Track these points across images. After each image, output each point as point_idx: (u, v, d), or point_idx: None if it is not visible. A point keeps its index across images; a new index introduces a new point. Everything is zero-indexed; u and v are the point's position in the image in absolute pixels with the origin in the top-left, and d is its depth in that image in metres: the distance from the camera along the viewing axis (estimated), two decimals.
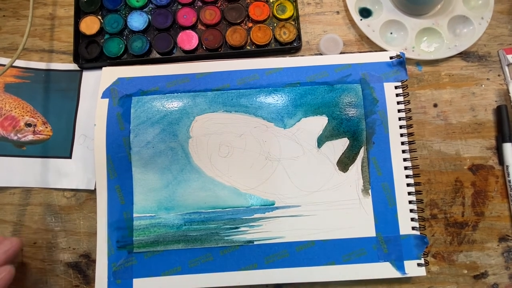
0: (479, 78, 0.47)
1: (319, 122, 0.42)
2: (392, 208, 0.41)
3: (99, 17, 0.48)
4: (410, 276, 0.40)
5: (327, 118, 0.42)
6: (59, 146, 0.45)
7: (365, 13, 0.48)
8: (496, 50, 0.47)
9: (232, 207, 0.41)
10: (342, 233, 0.40)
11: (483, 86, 0.46)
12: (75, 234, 0.43)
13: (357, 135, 0.42)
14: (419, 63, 0.47)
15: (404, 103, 0.43)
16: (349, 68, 0.44)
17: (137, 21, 0.47)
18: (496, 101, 0.46)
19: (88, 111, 0.46)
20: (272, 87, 0.43)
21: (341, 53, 0.46)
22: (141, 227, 0.41)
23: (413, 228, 0.41)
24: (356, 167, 0.42)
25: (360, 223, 0.41)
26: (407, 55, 0.46)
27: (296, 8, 0.47)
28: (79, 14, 0.48)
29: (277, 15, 0.47)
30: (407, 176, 0.42)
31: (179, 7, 0.48)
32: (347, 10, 0.48)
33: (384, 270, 0.40)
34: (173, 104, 0.43)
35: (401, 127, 0.42)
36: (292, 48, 0.47)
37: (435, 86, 0.46)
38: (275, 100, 0.43)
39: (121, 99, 0.43)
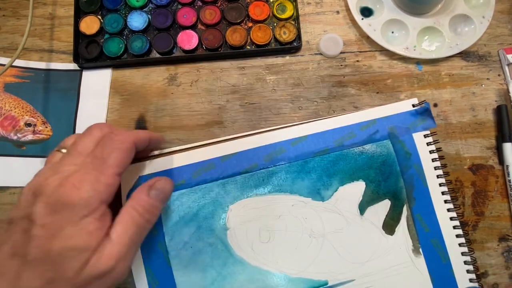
0: (479, 78, 0.47)
1: (357, 188, 0.41)
2: (446, 264, 0.39)
3: (99, 17, 0.48)
4: None
5: (364, 183, 0.41)
6: None
7: (366, 12, 0.48)
8: (496, 49, 0.47)
9: None
10: None
11: (483, 86, 0.46)
12: None
13: (397, 194, 0.41)
14: (419, 62, 0.47)
15: (436, 151, 0.42)
16: (374, 124, 0.42)
17: (137, 20, 0.47)
18: (496, 101, 0.46)
19: (88, 111, 0.46)
20: (301, 158, 0.41)
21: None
22: None
23: (470, 280, 0.39)
24: (402, 228, 0.40)
25: (417, 285, 0.39)
26: (409, 54, 0.46)
27: (296, 8, 0.47)
28: (79, 14, 0.48)
29: (277, 15, 0.47)
30: (454, 227, 0.40)
31: (179, 6, 0.48)
32: (347, 10, 0.48)
33: None
34: (204, 197, 0.40)
35: (438, 176, 0.41)
36: (292, 48, 0.47)
37: (435, 86, 0.46)
38: (308, 172, 0.41)
39: None
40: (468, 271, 0.39)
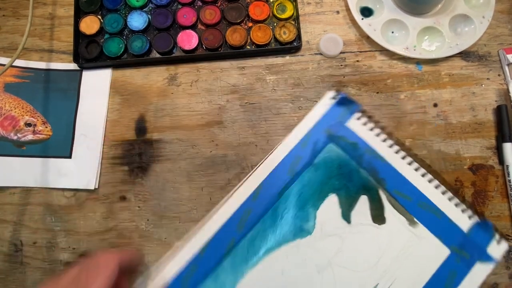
0: (479, 77, 0.47)
1: (332, 203, 0.40)
2: (442, 217, 0.39)
3: (99, 17, 0.48)
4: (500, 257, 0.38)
5: (334, 194, 0.40)
6: (59, 146, 0.45)
7: (366, 12, 0.48)
8: (496, 49, 0.47)
9: None
10: (426, 274, 0.38)
11: (483, 85, 0.46)
12: (75, 234, 0.43)
13: (367, 185, 0.41)
14: (419, 62, 0.47)
15: (374, 123, 0.42)
16: (310, 136, 0.41)
17: (137, 20, 0.47)
18: (496, 100, 0.46)
19: (88, 111, 0.46)
20: (269, 207, 0.40)
21: (339, 54, 0.46)
22: None
23: (469, 217, 0.39)
24: (389, 211, 0.40)
25: (430, 252, 0.39)
26: (409, 54, 0.46)
27: (296, 8, 0.47)
28: (79, 14, 0.48)
29: (277, 15, 0.47)
30: (429, 181, 0.40)
31: (179, 6, 0.48)
32: (347, 10, 0.48)
33: (479, 272, 0.38)
34: None
35: (390, 146, 0.41)
36: (292, 48, 0.47)
37: (435, 86, 0.46)
38: (281, 218, 0.40)
39: None
40: (463, 211, 0.40)
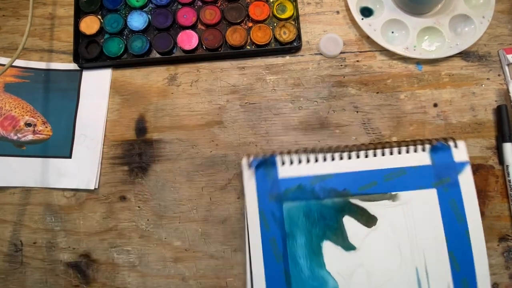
0: (479, 78, 0.47)
1: (330, 249, 0.40)
2: (409, 170, 0.41)
3: (99, 17, 0.48)
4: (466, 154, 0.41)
5: (325, 241, 0.40)
6: (59, 146, 0.45)
7: (366, 12, 0.48)
8: (496, 50, 0.47)
9: None
10: (437, 222, 0.40)
11: (483, 86, 0.46)
12: (75, 234, 0.43)
13: (338, 207, 0.41)
14: (419, 62, 0.47)
15: (296, 154, 0.42)
16: (264, 213, 0.41)
17: (137, 20, 0.47)
18: (496, 101, 0.46)
19: (88, 111, 0.46)
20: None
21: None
22: None
23: (424, 150, 0.41)
24: (370, 208, 0.41)
25: (424, 204, 0.40)
26: (409, 54, 0.46)
27: (296, 8, 0.47)
28: (79, 14, 0.48)
29: (277, 15, 0.47)
30: (375, 155, 0.41)
31: (179, 6, 0.48)
32: (347, 10, 0.48)
33: (466, 180, 0.41)
34: None
35: (325, 160, 0.41)
36: (292, 48, 0.47)
37: (435, 86, 0.46)
38: None
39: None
40: (416, 151, 0.41)
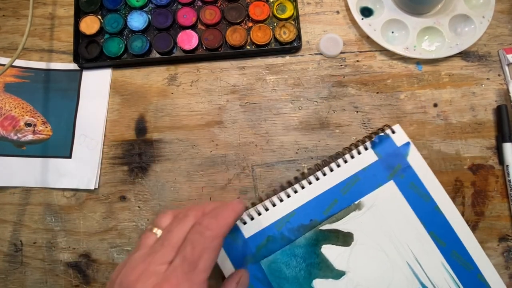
0: (479, 77, 0.47)
1: (322, 285, 0.40)
2: (362, 174, 0.41)
3: (99, 17, 0.48)
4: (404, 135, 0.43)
5: (314, 280, 0.39)
6: (59, 146, 0.45)
7: (366, 12, 0.48)
8: (496, 49, 0.47)
9: None
10: (408, 209, 0.41)
11: (483, 86, 0.46)
12: (75, 234, 0.43)
13: (311, 241, 0.40)
14: (419, 62, 0.47)
15: (252, 207, 0.41)
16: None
17: (137, 20, 0.47)
18: (496, 101, 0.46)
19: (88, 111, 0.46)
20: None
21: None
22: None
23: (366, 149, 0.42)
24: (342, 227, 0.41)
25: (389, 198, 0.41)
26: (409, 54, 0.46)
27: (296, 8, 0.47)
28: (79, 14, 0.48)
29: (277, 15, 0.47)
30: (325, 174, 0.41)
31: (179, 6, 0.48)
32: (347, 10, 0.48)
33: (415, 159, 0.42)
34: None
35: (281, 200, 0.41)
36: (292, 48, 0.47)
37: (435, 86, 0.46)
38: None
39: None
40: (366, 149, 0.42)
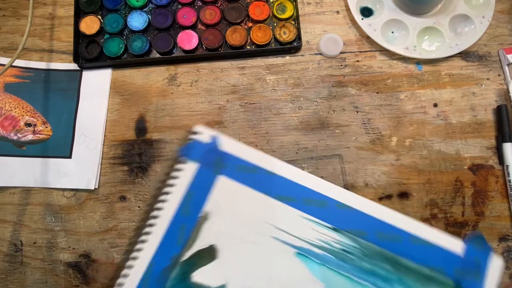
0: (479, 78, 0.47)
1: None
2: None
3: (99, 17, 0.48)
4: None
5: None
6: (59, 146, 0.45)
7: (366, 12, 0.48)
8: (496, 50, 0.47)
9: None
10: None
11: (483, 86, 0.46)
12: (75, 234, 0.43)
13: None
14: (419, 62, 0.47)
15: None
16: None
17: (137, 20, 0.47)
18: (496, 101, 0.46)
19: (88, 111, 0.46)
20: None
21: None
22: None
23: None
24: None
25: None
26: (409, 54, 0.46)
27: (296, 8, 0.47)
28: (79, 14, 0.48)
29: (277, 15, 0.47)
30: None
31: (179, 6, 0.48)
32: (347, 10, 0.48)
33: None
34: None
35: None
36: (292, 48, 0.47)
37: (435, 86, 0.46)
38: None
39: None
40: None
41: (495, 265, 0.38)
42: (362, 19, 0.47)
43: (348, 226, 0.39)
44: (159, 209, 0.40)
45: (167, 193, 0.40)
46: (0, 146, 0.45)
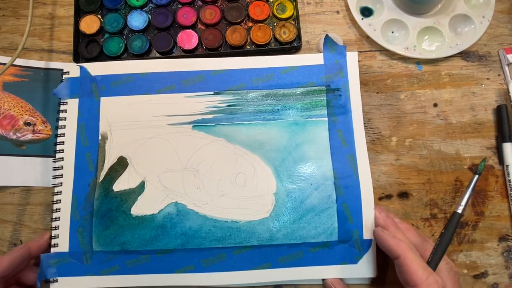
0: (479, 77, 0.47)
1: None
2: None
3: (99, 16, 0.48)
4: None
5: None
6: None
7: (366, 12, 0.48)
8: (496, 49, 0.47)
9: None
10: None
11: (483, 85, 0.46)
12: None
13: None
14: (419, 62, 0.47)
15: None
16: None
17: (137, 20, 0.47)
18: (496, 100, 0.46)
19: None
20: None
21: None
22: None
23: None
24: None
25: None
26: (409, 54, 0.46)
27: (296, 8, 0.47)
28: (79, 13, 0.48)
29: (277, 15, 0.47)
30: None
31: (179, 6, 0.48)
32: (347, 10, 0.48)
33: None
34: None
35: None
36: (292, 47, 0.47)
37: (435, 86, 0.46)
38: None
39: None
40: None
41: (352, 57, 0.44)
42: (362, 19, 0.47)
43: (227, 86, 0.44)
44: (61, 151, 0.43)
45: (62, 135, 0.43)
46: (0, 145, 0.45)
